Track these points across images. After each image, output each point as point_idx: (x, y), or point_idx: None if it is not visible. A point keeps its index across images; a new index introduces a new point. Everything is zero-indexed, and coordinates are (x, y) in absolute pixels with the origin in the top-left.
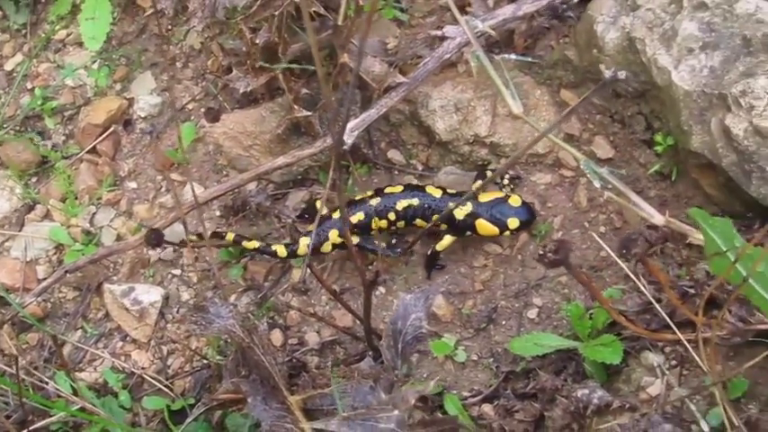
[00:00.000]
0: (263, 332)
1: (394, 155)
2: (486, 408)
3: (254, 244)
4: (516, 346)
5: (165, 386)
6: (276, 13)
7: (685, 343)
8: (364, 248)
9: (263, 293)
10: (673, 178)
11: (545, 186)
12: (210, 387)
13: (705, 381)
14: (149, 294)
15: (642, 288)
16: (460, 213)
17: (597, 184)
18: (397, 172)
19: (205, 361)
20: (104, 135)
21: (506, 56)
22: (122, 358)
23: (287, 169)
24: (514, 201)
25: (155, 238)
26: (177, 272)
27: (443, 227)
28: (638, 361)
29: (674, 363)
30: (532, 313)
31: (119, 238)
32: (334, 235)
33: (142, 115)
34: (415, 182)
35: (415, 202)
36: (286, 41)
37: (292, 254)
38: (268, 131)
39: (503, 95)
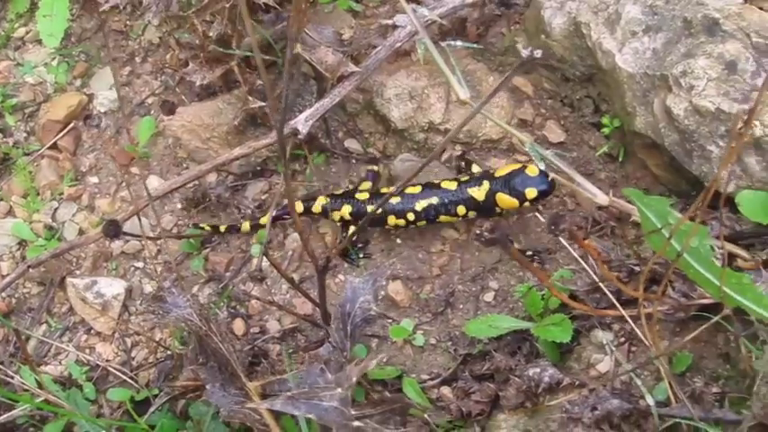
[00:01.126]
0: (223, 321)
1: (351, 143)
2: (445, 390)
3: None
4: (472, 329)
5: (130, 378)
6: (227, 5)
7: (628, 319)
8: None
9: (224, 283)
10: (620, 159)
11: None
12: (174, 377)
13: (651, 356)
14: (112, 287)
15: (585, 266)
16: (480, 194)
17: (542, 167)
18: (354, 160)
19: (168, 352)
20: (65, 131)
21: (452, 43)
22: (87, 351)
23: (245, 160)
24: (531, 171)
25: (112, 229)
26: (140, 264)
27: (471, 214)
28: (588, 339)
29: (622, 340)
30: (489, 296)
31: (81, 232)
32: (345, 210)
33: (102, 110)
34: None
35: (435, 200)
36: (240, 34)
37: (308, 210)
38: (225, 123)
39: (450, 82)
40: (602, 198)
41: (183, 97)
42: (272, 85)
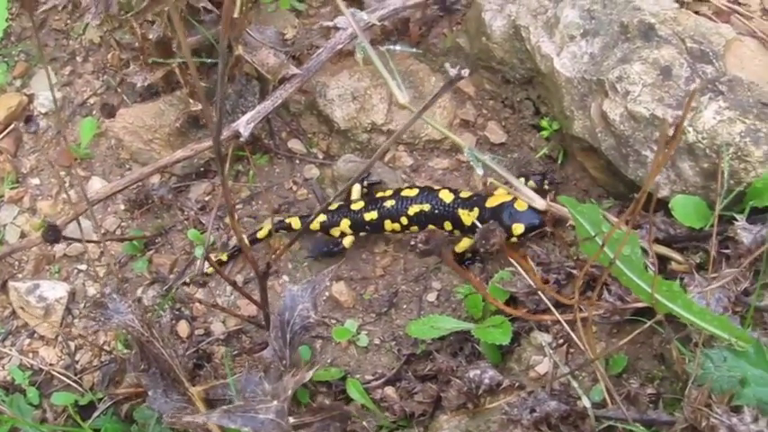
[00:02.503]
0: (166, 324)
1: (295, 144)
2: (389, 390)
3: (268, 226)
4: (414, 330)
5: (74, 381)
6: (167, 8)
7: (564, 324)
8: (329, 251)
9: (168, 285)
10: (560, 162)
11: (443, 171)
12: (118, 381)
13: (587, 359)
14: (54, 290)
15: (522, 272)
16: (468, 219)
17: (480, 171)
18: (298, 161)
19: (112, 355)
20: (5, 132)
21: (392, 47)
22: (30, 355)
23: (188, 162)
24: (520, 205)
25: (52, 234)
26: (83, 267)
27: (456, 233)
28: (527, 340)
29: (560, 341)
30: (432, 296)
31: (23, 235)
32: (345, 224)
33: (43, 111)
34: (408, 184)
35: (427, 207)
36: (179, 35)
37: (306, 228)
38: (167, 125)
39: (389, 86)
40: (539, 203)
41: (125, 98)
42: (214, 87)
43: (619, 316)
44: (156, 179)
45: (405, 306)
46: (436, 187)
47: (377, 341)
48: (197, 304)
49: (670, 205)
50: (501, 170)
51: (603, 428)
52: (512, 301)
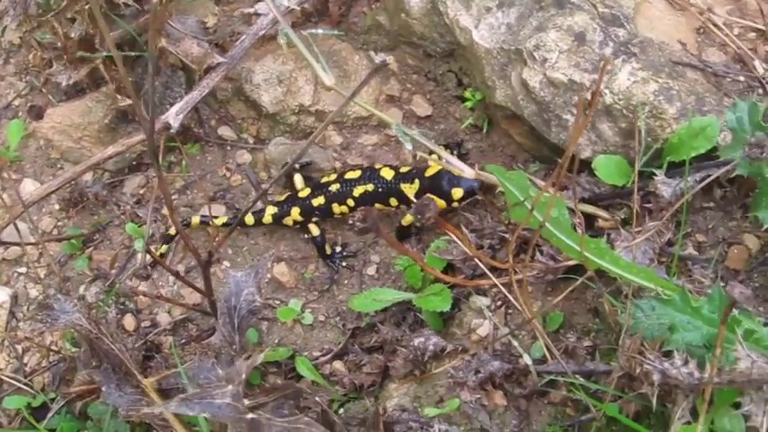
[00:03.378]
0: (112, 320)
1: (225, 131)
2: (338, 365)
3: (223, 219)
4: (356, 304)
5: (25, 384)
6: (87, 6)
7: (500, 286)
8: (317, 247)
9: (110, 281)
10: (485, 130)
11: (372, 147)
12: (69, 380)
13: (525, 319)
14: None
15: (457, 241)
16: (411, 191)
17: (409, 146)
18: (229, 147)
19: (61, 354)
20: None
21: (314, 31)
22: None
23: (120, 156)
24: (457, 171)
25: None
26: (23, 270)
27: (404, 207)
28: (467, 305)
29: (498, 304)
30: (371, 270)
31: None
32: (295, 212)
33: None
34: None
35: (370, 187)
36: (101, 31)
37: (258, 221)
38: (96, 122)
39: (315, 69)
40: (469, 172)
41: (51, 97)
42: (140, 81)
43: (552, 275)
44: (89, 176)
45: (346, 281)
46: (377, 166)
47: (321, 318)
48: (141, 297)
49: (593, 165)
50: (429, 143)
51: (545, 383)
52: (449, 268)
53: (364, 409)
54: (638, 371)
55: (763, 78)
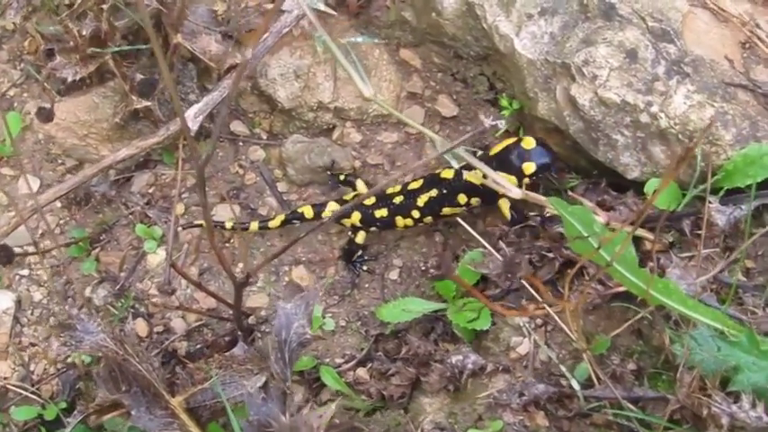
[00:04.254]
0: (131, 332)
1: (236, 126)
2: (361, 372)
3: (281, 217)
4: (384, 314)
5: (32, 393)
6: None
7: (554, 316)
8: (347, 250)
9: (121, 285)
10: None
11: (392, 145)
12: (80, 388)
13: (575, 345)
14: (0, 301)
15: (494, 253)
16: (477, 179)
17: (456, 165)
18: (241, 143)
19: (69, 360)
20: None
21: (353, 39)
22: None
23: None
24: (527, 143)
25: (4, 255)
26: (25, 272)
27: (474, 201)
28: (504, 319)
29: (539, 322)
30: (394, 274)
31: None
32: (356, 217)
33: None
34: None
35: (434, 192)
36: (113, 26)
37: (318, 215)
38: (104, 119)
39: (353, 79)
40: (515, 192)
41: (50, 89)
42: (147, 75)
43: (601, 301)
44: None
45: (367, 285)
46: (437, 171)
47: (342, 323)
48: (152, 300)
49: (645, 190)
50: (477, 162)
51: (591, 407)
52: (481, 279)
53: (395, 423)
54: (704, 412)
55: None
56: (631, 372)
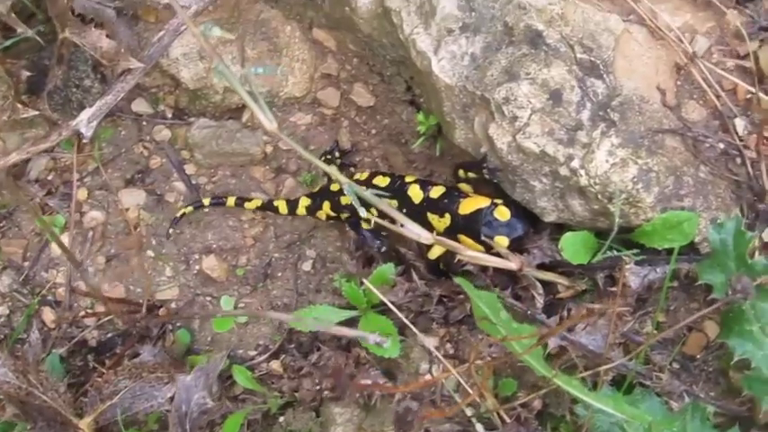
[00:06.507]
0: (36, 342)
1: (139, 105)
2: (275, 364)
3: (257, 202)
4: (297, 324)
5: None
6: None
7: (460, 379)
8: (355, 229)
9: (25, 274)
10: (437, 154)
11: (306, 127)
12: None
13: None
14: None
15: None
16: (440, 225)
17: (363, 214)
18: (145, 122)
19: None
20: None
21: (253, 69)
22: None
23: (20, 137)
24: (501, 213)
25: None
26: None
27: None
28: (414, 337)
29: (448, 349)
30: (307, 265)
31: None
32: (327, 206)
33: None
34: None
35: (395, 204)
36: None
37: (292, 211)
38: None
39: (254, 112)
40: (425, 237)
41: None
42: (39, 63)
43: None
44: None
45: (280, 275)
46: (407, 179)
47: None
48: (59, 290)
49: (560, 245)
50: (384, 206)
51: None
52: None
53: (307, 429)
54: None
55: (742, 143)
56: (537, 414)
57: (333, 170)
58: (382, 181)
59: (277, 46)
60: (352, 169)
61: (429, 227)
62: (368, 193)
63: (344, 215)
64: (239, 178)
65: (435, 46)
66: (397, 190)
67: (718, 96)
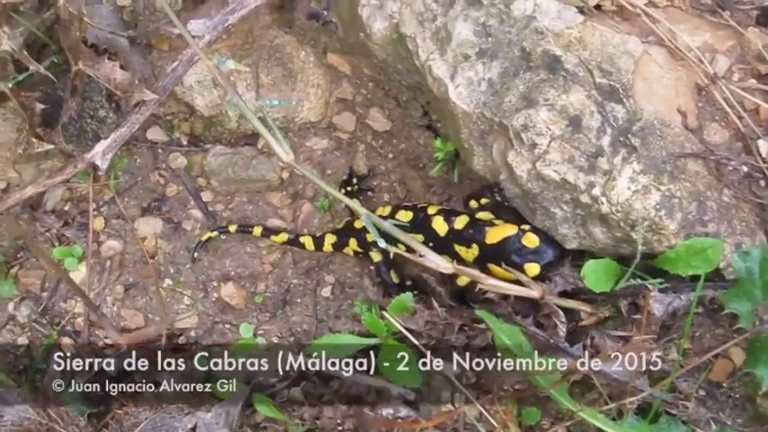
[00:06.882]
0: (54, 372)
1: (155, 132)
2: (295, 392)
3: (284, 237)
4: (315, 351)
5: None
6: None
7: (485, 413)
8: (380, 273)
9: (44, 305)
10: (456, 179)
11: (322, 152)
12: None
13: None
14: None
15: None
16: (468, 256)
17: (382, 244)
18: (160, 150)
19: None
20: None
21: (268, 101)
22: None
23: (36, 168)
24: (529, 240)
25: None
26: None
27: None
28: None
29: (470, 377)
30: (326, 291)
31: None
32: (353, 243)
33: None
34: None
35: (420, 238)
36: (4, 61)
37: (318, 248)
38: (6, 145)
39: (270, 144)
40: (444, 267)
41: None
42: (53, 94)
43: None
44: None
45: (299, 301)
46: (429, 211)
47: (275, 340)
48: (78, 320)
49: (582, 274)
50: (404, 237)
51: None
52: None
53: None
54: None
55: (766, 164)
56: None
57: (355, 204)
58: (405, 216)
59: (291, 71)
60: (370, 194)
61: (457, 258)
62: (390, 225)
63: (376, 258)
64: (256, 204)
65: (452, 72)
66: (421, 224)
67: (740, 117)
